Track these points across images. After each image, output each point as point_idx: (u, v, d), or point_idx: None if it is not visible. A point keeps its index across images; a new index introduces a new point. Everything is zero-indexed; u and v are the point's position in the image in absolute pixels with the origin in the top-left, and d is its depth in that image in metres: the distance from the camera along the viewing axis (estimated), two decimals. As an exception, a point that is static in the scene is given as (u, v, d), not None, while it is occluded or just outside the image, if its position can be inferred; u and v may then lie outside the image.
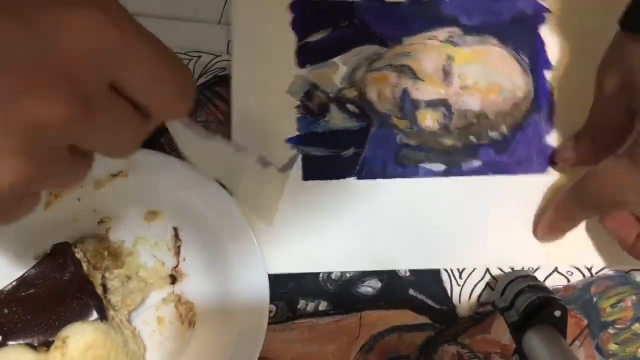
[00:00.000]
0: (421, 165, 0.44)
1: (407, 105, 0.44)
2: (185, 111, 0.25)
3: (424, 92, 0.44)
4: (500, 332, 0.44)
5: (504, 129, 0.44)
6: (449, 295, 0.44)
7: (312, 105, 0.44)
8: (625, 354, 0.44)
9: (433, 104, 0.44)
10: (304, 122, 0.44)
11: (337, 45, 0.44)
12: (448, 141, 0.44)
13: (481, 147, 0.44)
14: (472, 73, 0.44)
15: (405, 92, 0.44)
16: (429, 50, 0.45)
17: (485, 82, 0.44)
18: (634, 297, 0.44)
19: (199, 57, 0.44)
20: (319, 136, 0.44)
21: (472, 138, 0.44)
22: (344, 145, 0.44)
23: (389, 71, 0.45)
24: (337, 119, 0.44)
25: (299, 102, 0.44)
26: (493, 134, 0.44)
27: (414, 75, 0.44)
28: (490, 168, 0.44)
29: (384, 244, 0.43)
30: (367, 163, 0.44)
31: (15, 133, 0.20)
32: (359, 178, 0.44)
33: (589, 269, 0.44)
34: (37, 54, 0.20)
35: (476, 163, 0.44)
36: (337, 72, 0.44)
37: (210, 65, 0.45)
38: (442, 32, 0.45)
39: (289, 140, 0.44)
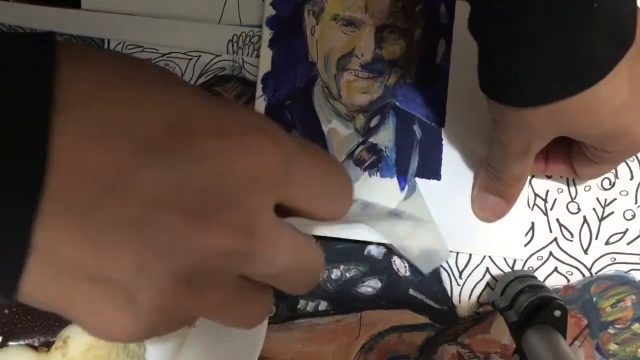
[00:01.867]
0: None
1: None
2: (346, 213, 0.24)
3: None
4: (500, 332, 0.44)
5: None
6: (449, 295, 0.44)
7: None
8: (625, 354, 0.44)
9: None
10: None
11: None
12: None
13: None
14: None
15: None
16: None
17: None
18: (633, 297, 0.44)
19: (199, 57, 0.44)
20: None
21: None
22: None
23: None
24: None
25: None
26: None
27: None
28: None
29: None
30: None
31: (178, 260, 0.19)
32: None
33: (589, 269, 0.44)
34: (205, 183, 0.19)
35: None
36: None
37: (210, 65, 0.45)
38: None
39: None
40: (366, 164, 0.44)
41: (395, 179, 0.44)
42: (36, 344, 0.38)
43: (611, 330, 0.44)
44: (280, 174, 0.21)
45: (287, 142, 0.21)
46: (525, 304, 0.39)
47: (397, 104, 0.44)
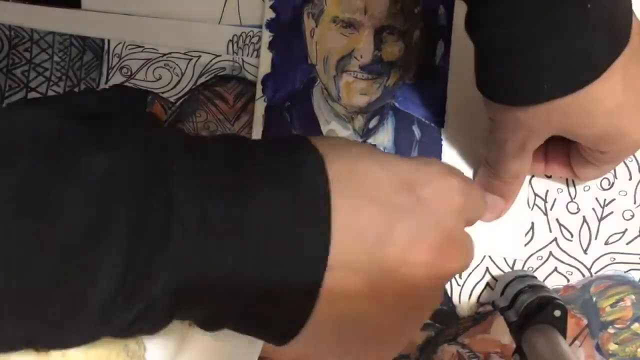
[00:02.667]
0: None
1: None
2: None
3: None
4: (500, 332, 0.44)
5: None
6: (449, 295, 0.44)
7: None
8: (625, 354, 0.44)
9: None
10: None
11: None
12: None
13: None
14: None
15: None
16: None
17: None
18: (633, 297, 0.44)
19: (199, 57, 0.44)
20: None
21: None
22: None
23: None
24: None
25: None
26: None
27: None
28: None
29: None
30: None
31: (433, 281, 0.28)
32: None
33: (589, 269, 0.44)
34: (435, 220, 0.27)
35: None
36: None
37: (210, 65, 0.45)
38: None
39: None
40: None
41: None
42: (36, 344, 0.38)
43: (611, 330, 0.44)
44: (467, 198, 0.29)
45: (463, 177, 0.30)
46: (525, 304, 0.39)
47: (397, 104, 0.44)
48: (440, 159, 0.44)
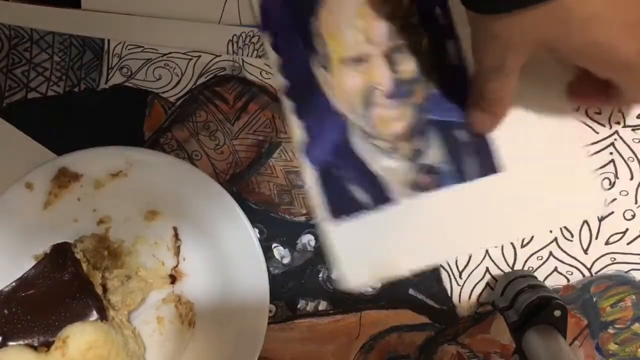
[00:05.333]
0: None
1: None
2: None
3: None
4: (500, 332, 0.44)
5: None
6: (449, 295, 0.44)
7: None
8: (625, 354, 0.44)
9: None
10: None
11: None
12: None
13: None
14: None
15: None
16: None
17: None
18: (633, 297, 0.44)
19: (199, 57, 0.44)
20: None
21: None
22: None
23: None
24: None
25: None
26: None
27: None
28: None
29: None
30: None
31: None
32: None
33: (589, 269, 0.44)
34: None
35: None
36: None
37: (210, 65, 0.45)
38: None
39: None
40: (427, 184, 0.44)
41: (458, 186, 0.44)
42: (36, 344, 0.38)
43: (611, 330, 0.44)
44: None
45: None
46: (525, 304, 0.39)
47: (432, 117, 0.44)
48: (493, 152, 0.44)
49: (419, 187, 0.44)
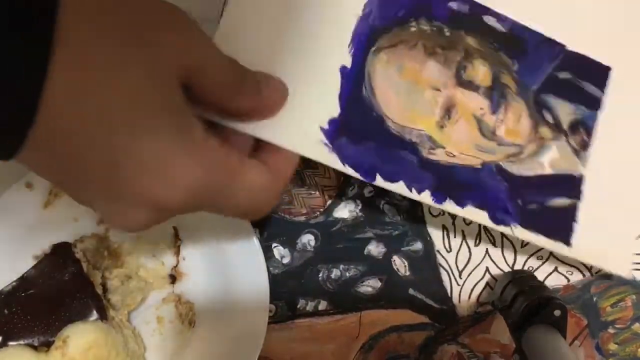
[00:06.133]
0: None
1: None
2: None
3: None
4: (500, 331, 0.44)
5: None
6: (449, 294, 0.44)
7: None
8: (625, 354, 0.44)
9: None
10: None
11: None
12: None
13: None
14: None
15: None
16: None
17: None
18: (633, 297, 0.44)
19: (199, 56, 0.44)
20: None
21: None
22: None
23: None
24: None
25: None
26: None
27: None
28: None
29: None
30: None
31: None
32: None
33: (589, 269, 0.44)
34: None
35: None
36: None
37: (210, 64, 0.44)
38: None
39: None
40: (582, 141, 0.41)
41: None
42: (36, 344, 0.38)
43: (611, 330, 0.44)
44: None
45: None
46: (525, 304, 0.39)
47: (534, 87, 0.40)
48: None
49: (583, 148, 0.41)
